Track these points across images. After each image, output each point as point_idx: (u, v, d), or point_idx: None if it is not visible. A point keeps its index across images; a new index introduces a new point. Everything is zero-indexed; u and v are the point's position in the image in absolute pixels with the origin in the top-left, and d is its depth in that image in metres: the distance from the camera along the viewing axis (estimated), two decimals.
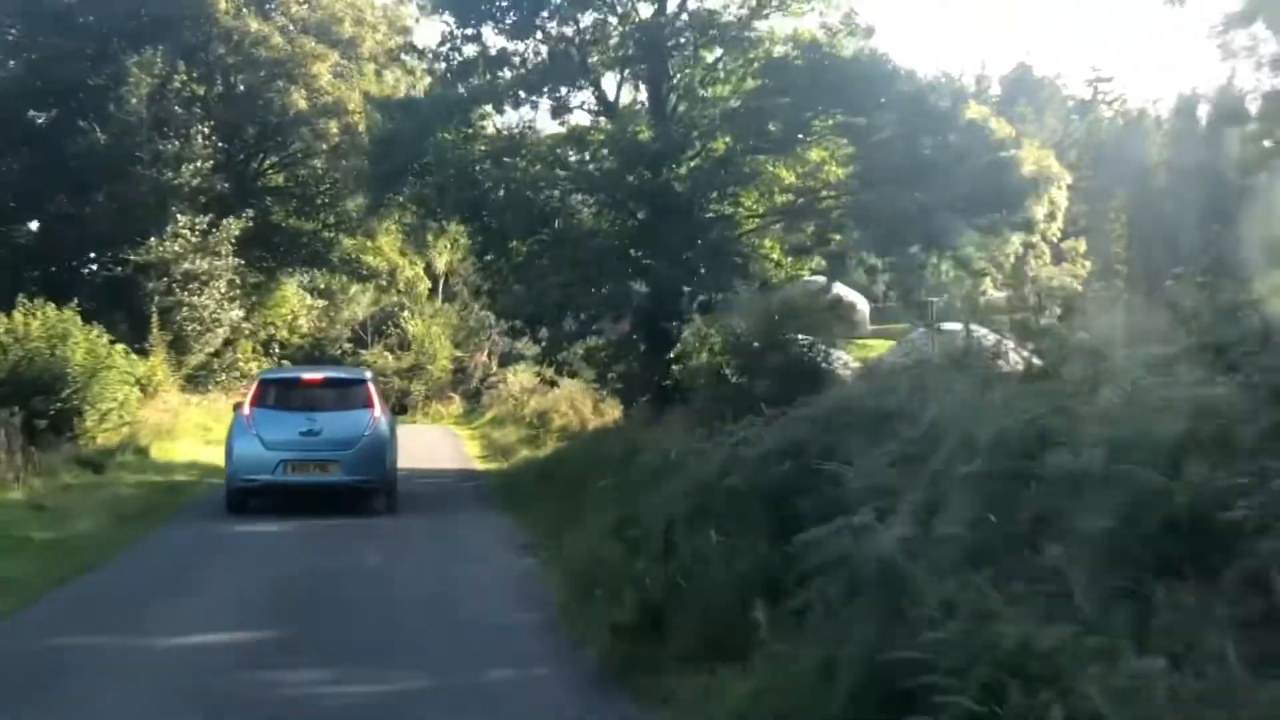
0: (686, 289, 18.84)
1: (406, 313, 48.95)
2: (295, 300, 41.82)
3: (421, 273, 39.99)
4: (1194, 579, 4.23)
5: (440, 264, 42.31)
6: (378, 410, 14.50)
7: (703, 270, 19.13)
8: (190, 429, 24.08)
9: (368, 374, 16.14)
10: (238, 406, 14.98)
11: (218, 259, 29.96)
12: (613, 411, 21.87)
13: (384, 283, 38.50)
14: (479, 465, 23.16)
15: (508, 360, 41.25)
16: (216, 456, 16.98)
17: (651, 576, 7.40)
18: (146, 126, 29.44)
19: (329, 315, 52.79)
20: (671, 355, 19.81)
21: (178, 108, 30.58)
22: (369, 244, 36.32)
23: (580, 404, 22.92)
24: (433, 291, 54.29)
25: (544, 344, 20.68)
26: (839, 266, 20.76)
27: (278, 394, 14.54)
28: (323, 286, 48.72)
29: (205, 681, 7.02)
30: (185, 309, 29.16)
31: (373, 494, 14.49)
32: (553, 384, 22.04)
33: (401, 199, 20.76)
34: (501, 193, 18.80)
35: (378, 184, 20.61)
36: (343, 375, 16.38)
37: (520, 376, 35.13)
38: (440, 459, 24.18)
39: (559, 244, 19.09)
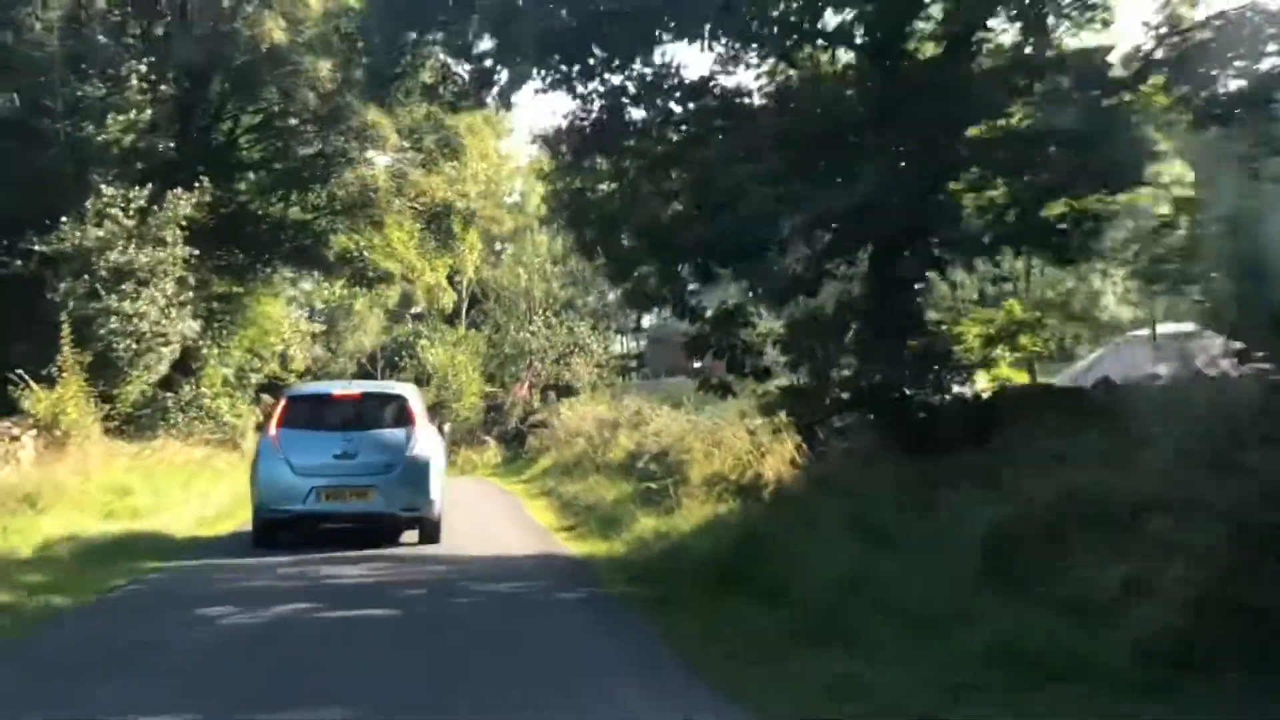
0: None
1: (425, 340, 40.02)
2: (285, 324, 32.82)
3: (444, 280, 30.92)
4: None
5: (469, 265, 33.08)
6: (420, 427, 12.77)
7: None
8: (97, 495, 15.00)
9: (409, 388, 14.52)
10: (263, 428, 14.45)
11: (161, 248, 20.96)
12: (782, 449, 12.62)
13: (394, 288, 29.42)
14: (567, 544, 13.93)
15: (564, 393, 32.24)
16: (118, 534, 12.78)
17: None
18: (58, 63, 20.60)
19: (330, 346, 44.11)
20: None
21: (102, 37, 21.69)
22: (376, 238, 27.30)
23: (736, 438, 13.66)
24: (455, 315, 45.50)
25: (711, 317, 11.80)
26: None
27: (307, 413, 12.98)
28: (319, 304, 39.98)
29: None
30: (114, 319, 20.12)
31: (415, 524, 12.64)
32: (724, 390, 12.90)
33: (431, 45, 11.48)
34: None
35: (387, 31, 11.42)
36: (380, 390, 14.98)
37: (586, 407, 26.00)
38: (499, 533, 15.05)
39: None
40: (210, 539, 13.97)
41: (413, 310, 51.01)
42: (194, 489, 17.99)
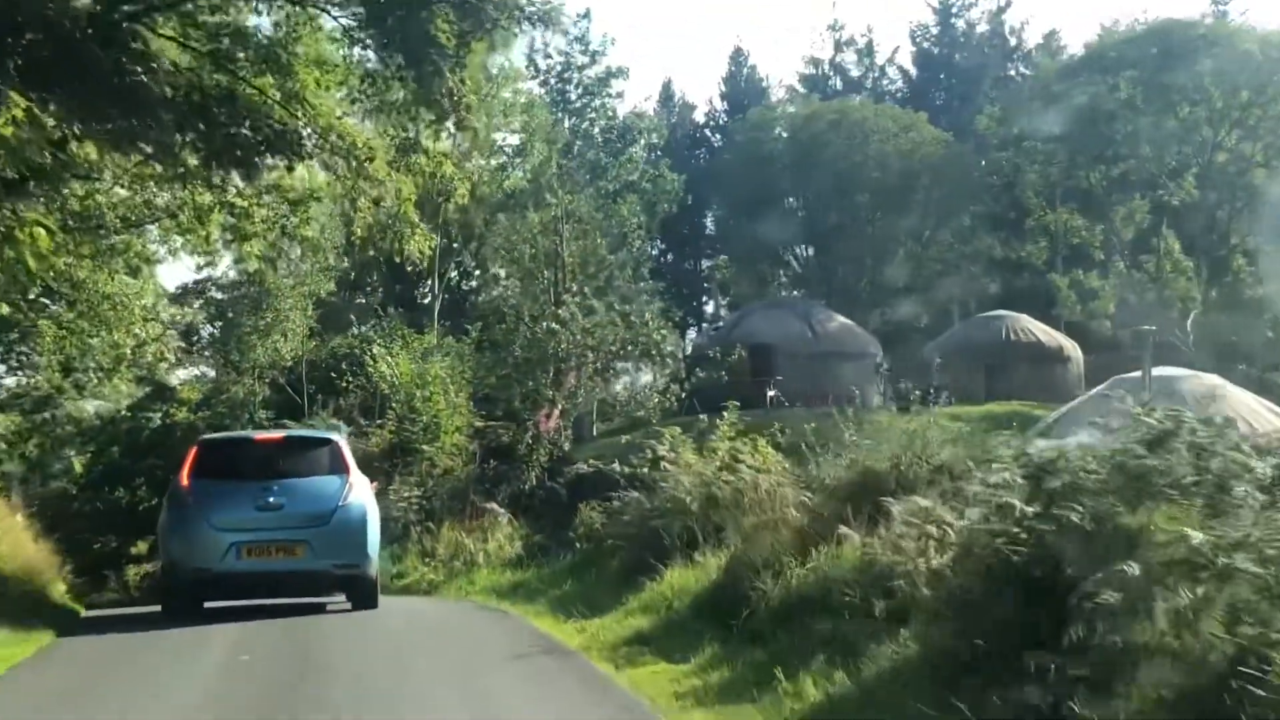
0: None
1: (379, 348, 25.27)
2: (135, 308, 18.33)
3: (410, 203, 16.01)
4: None
5: (459, 188, 18.00)
6: (354, 475, 11.69)
7: None
8: None
9: (337, 433, 13.92)
10: (172, 480, 12.21)
11: None
12: None
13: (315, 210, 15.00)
14: None
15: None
16: None
17: None
18: None
19: (226, 355, 29.30)
20: None
21: None
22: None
23: None
24: (426, 308, 31.12)
25: None
26: None
27: (223, 460, 11.87)
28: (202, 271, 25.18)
29: None
30: None
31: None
32: None
33: None
34: None
35: None
36: (305, 434, 14.53)
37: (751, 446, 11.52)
38: None
39: None
40: None
41: (360, 295, 36.34)
42: None
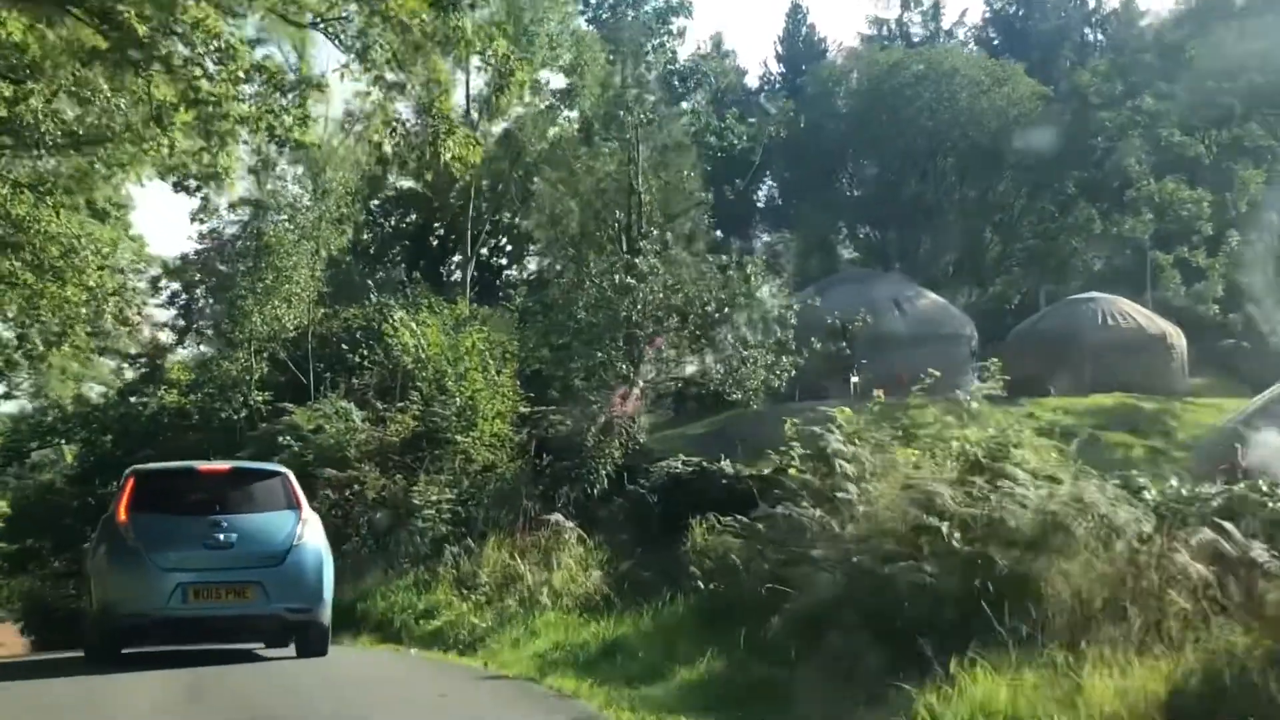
0: None
1: (399, 314, 20.45)
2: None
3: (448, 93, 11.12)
4: None
5: (514, 79, 13.07)
6: (306, 510, 10.80)
7: None
8: None
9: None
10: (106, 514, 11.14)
11: None
12: None
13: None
14: None
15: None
16: None
17: None
18: None
19: (217, 325, 24.55)
20: None
21: None
22: None
23: None
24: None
25: None
26: None
27: (164, 492, 10.94)
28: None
29: None
30: None
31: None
32: None
33: None
34: None
35: None
36: (254, 466, 13.11)
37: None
38: None
39: None
40: None
41: (379, 269, 31.38)
42: None
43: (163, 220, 72.06)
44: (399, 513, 16.08)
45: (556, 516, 13.13)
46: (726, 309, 16.42)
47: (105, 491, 27.62)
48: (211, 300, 27.08)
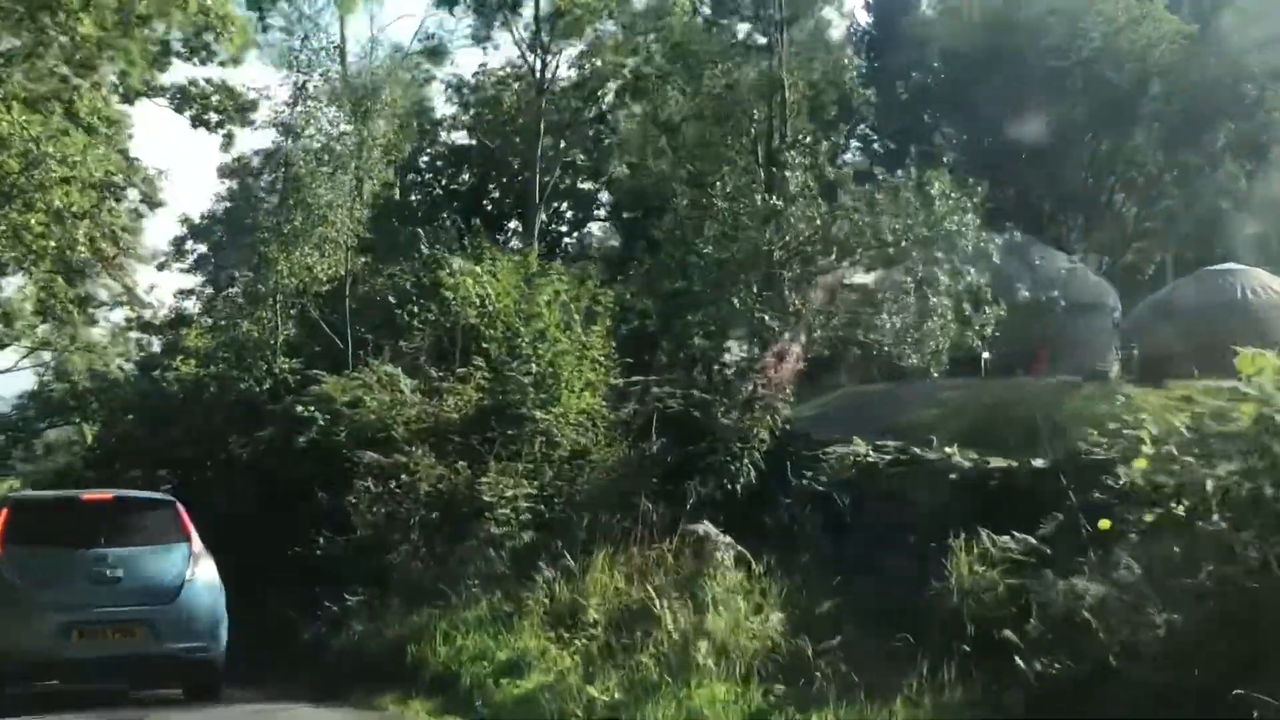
0: None
1: (458, 262, 16.34)
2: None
3: None
4: None
5: None
6: (196, 543, 10.23)
7: None
8: None
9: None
10: None
11: None
12: None
13: None
14: None
15: None
16: None
17: None
18: None
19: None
20: None
21: None
22: None
23: None
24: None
25: None
26: None
27: (42, 523, 10.34)
28: None
29: None
30: None
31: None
32: None
33: None
34: None
35: None
36: (140, 495, 12.05)
37: None
38: None
39: None
40: None
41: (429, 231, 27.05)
42: None
43: (191, 184, 68.98)
44: (463, 512, 11.94)
45: (704, 525, 8.82)
46: (904, 241, 12.13)
47: (131, 477, 24.51)
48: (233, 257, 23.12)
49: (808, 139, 12.76)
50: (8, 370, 30.17)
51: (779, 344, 11.14)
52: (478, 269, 14.82)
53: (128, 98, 20.50)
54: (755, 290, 12.13)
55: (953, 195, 12.51)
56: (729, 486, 10.52)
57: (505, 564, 10.55)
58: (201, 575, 10.06)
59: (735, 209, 12.20)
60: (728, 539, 8.75)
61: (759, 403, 10.79)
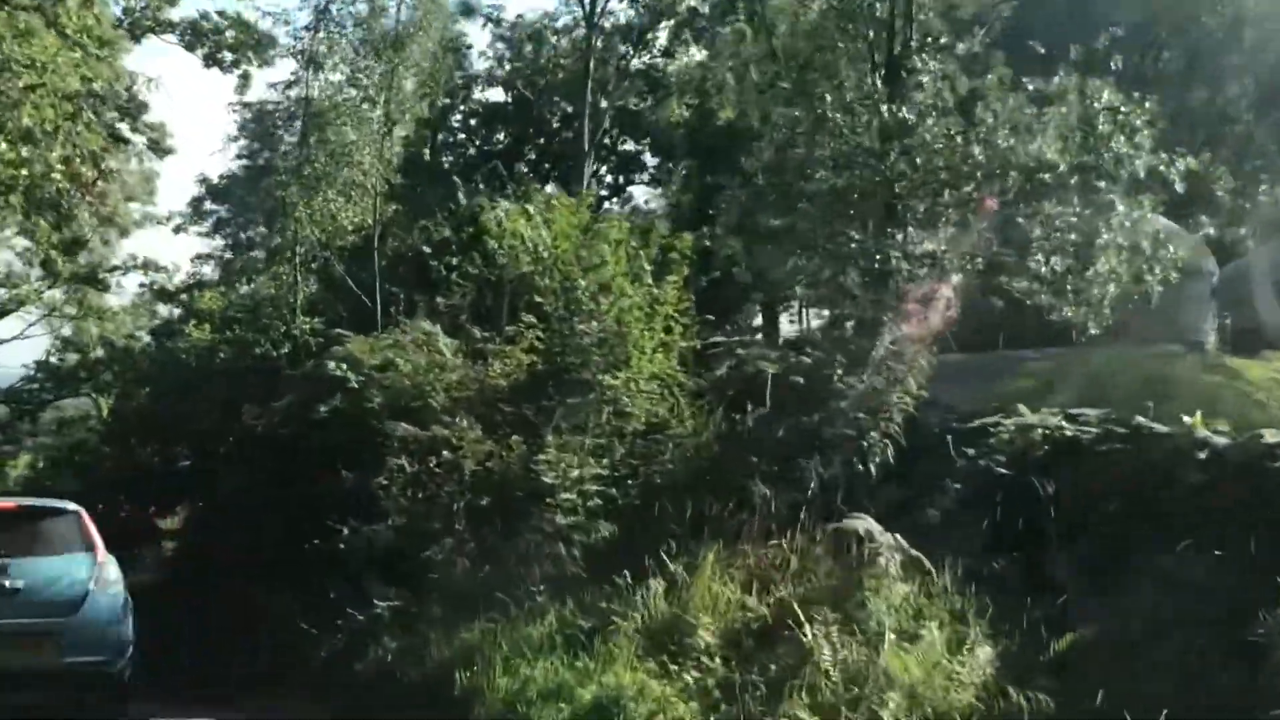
0: None
1: (505, 205, 14.13)
2: None
3: None
4: None
5: None
6: (102, 553, 9.78)
7: None
8: None
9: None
10: None
11: None
12: None
13: None
14: None
15: None
16: None
17: None
18: None
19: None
20: None
21: None
22: None
23: None
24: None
25: None
26: None
27: None
28: None
29: None
30: None
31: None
32: None
33: None
34: None
35: None
36: (42, 504, 11.30)
37: None
38: None
39: None
40: None
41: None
42: None
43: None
44: (518, 497, 9.74)
45: (865, 521, 6.52)
46: (1063, 165, 9.77)
47: (147, 453, 22.77)
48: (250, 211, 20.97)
49: (941, 40, 10.40)
50: (13, 339, 28.34)
51: (924, 287, 8.85)
52: (529, 208, 12.56)
53: (134, 35, 18.48)
54: (873, 227, 9.82)
55: (1122, 110, 10.16)
56: (860, 467, 8.23)
57: (578, 564, 8.31)
58: (106, 586, 9.62)
59: (853, 123, 9.88)
60: (895, 538, 6.46)
61: (896, 362, 8.51)
